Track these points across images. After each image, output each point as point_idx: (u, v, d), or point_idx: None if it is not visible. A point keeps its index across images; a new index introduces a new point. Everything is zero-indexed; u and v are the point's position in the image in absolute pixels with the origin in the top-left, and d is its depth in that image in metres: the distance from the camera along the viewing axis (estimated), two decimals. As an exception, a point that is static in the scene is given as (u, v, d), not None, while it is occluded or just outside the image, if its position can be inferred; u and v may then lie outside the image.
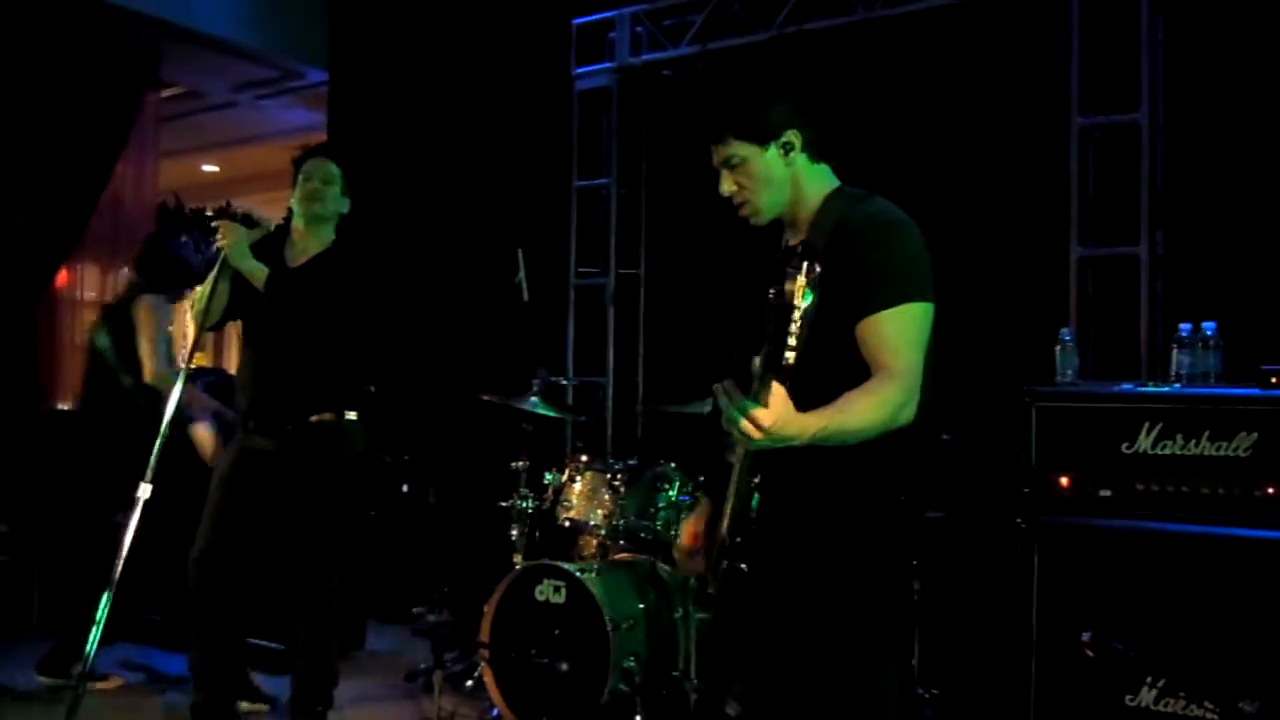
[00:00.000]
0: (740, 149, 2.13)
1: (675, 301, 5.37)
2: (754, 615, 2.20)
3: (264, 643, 4.24)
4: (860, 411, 1.92)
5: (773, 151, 2.12)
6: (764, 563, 2.03)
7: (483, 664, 3.87)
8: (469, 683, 4.17)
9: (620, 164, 5.50)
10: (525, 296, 4.80)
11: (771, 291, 1.98)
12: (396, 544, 5.43)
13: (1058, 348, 3.49)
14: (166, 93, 7.41)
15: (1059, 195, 4.12)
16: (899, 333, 1.97)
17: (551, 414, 4.41)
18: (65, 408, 6.72)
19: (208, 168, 9.74)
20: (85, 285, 7.17)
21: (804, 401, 1.84)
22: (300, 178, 3.61)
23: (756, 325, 2.15)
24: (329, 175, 3.61)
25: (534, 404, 4.28)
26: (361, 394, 3.67)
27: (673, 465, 4.03)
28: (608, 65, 5.45)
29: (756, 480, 1.99)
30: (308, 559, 3.54)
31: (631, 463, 4.13)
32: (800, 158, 2.14)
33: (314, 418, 3.49)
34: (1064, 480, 3.20)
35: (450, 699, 3.98)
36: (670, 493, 3.92)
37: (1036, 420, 3.26)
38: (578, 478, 4.13)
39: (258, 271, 3.43)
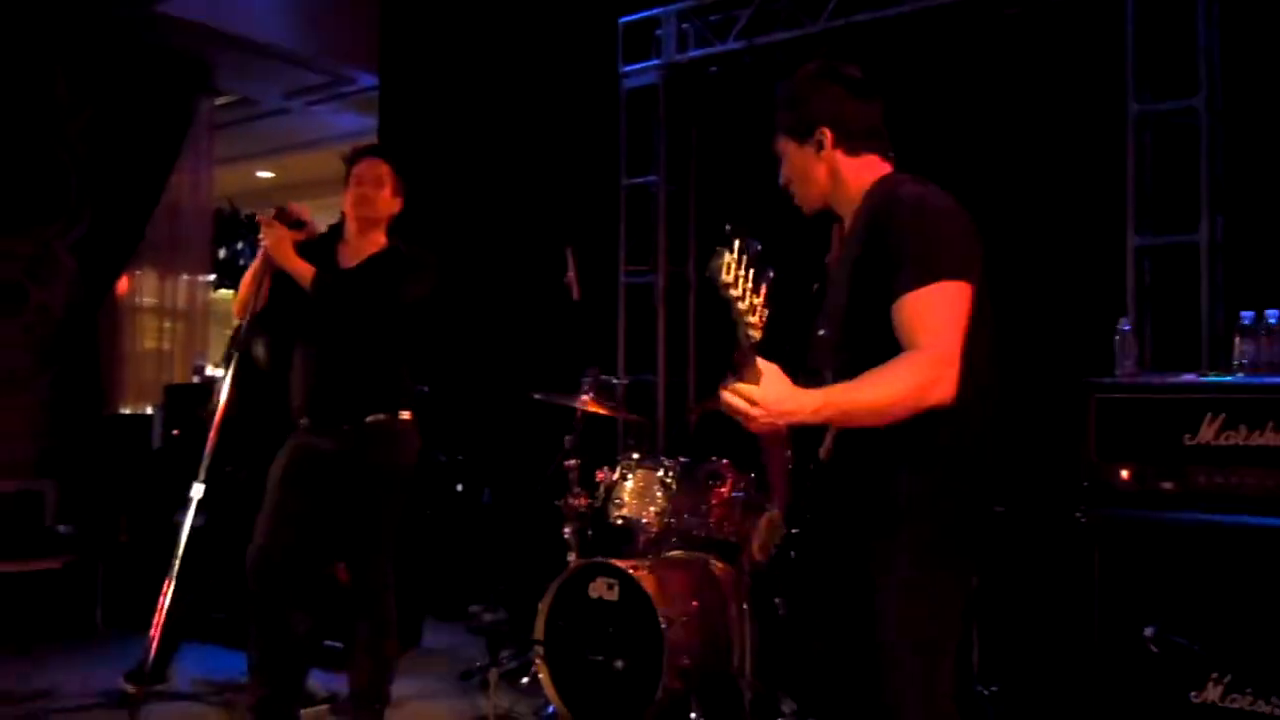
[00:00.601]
0: (782, 143, 2.25)
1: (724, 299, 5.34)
2: (817, 604, 2.19)
3: (325, 641, 4.28)
4: (874, 387, 1.90)
5: (808, 149, 2.20)
6: (821, 550, 2.04)
7: (537, 661, 3.89)
8: (524, 680, 4.19)
9: (668, 161, 5.49)
10: (576, 295, 4.81)
11: (815, 285, 1.98)
12: (452, 543, 5.48)
13: (1116, 338, 3.43)
14: (220, 101, 7.56)
15: (1115, 183, 4.04)
16: (927, 312, 1.94)
17: (603, 413, 4.42)
18: (127, 412, 6.87)
19: (262, 174, 9.89)
20: (144, 292, 7.32)
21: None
22: (351, 180, 3.62)
23: (805, 318, 2.15)
24: (379, 178, 3.61)
25: (586, 403, 4.29)
26: (416, 394, 3.69)
27: (725, 462, 4.02)
28: (654, 63, 5.45)
29: (810, 467, 1.98)
30: (364, 558, 3.57)
31: (684, 460, 4.12)
32: (835, 154, 2.19)
33: (369, 418, 3.52)
34: (1124, 473, 3.14)
35: (506, 696, 4.00)
36: (723, 490, 3.90)
37: (1096, 412, 3.21)
38: (630, 476, 4.13)
39: (303, 270, 3.44)
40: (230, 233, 8.03)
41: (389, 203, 3.64)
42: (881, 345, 1.96)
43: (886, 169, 2.20)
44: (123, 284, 7.06)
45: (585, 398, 4.28)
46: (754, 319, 1.83)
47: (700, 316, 5.49)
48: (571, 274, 4.74)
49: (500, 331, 5.96)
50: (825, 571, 2.12)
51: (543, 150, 5.94)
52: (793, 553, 2.01)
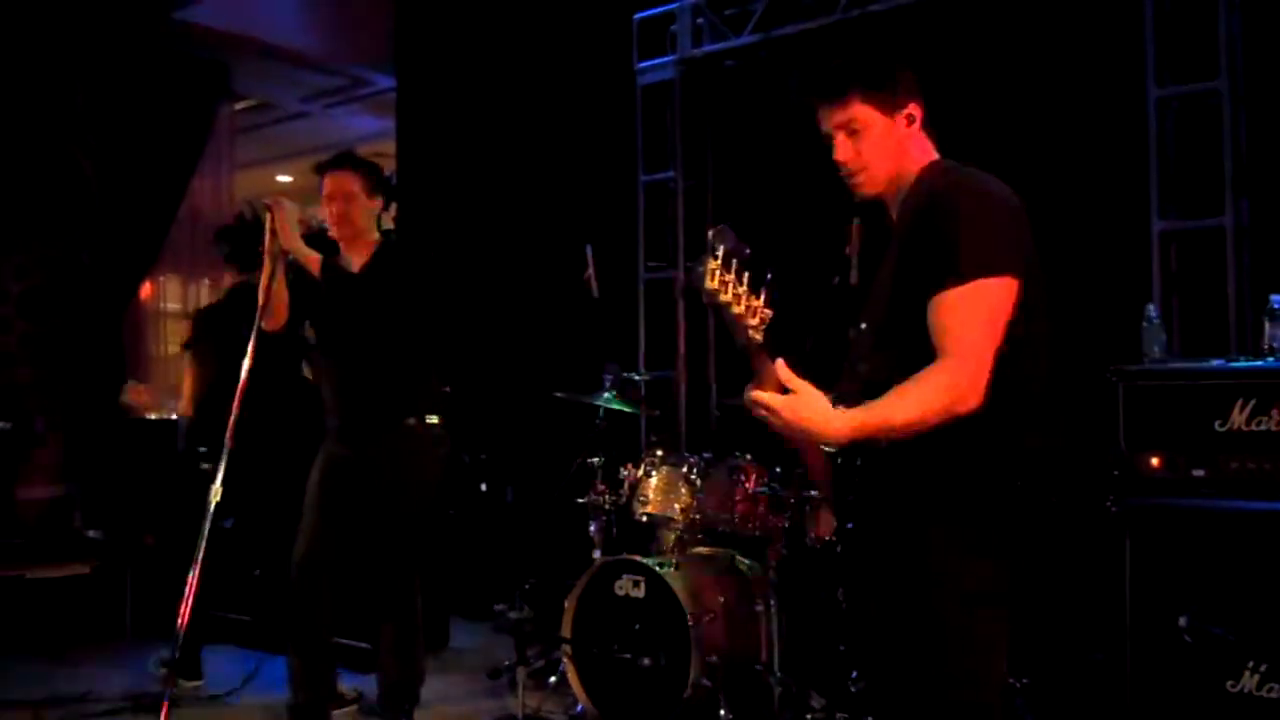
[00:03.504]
0: (865, 113, 2.07)
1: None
2: (866, 596, 2.17)
3: (351, 642, 4.30)
4: (904, 406, 1.87)
5: (899, 120, 2.09)
6: (867, 543, 2.02)
7: (565, 660, 3.88)
8: (552, 679, 4.19)
9: (685, 156, 5.48)
10: (595, 293, 4.80)
11: (836, 278, 1.96)
12: (477, 542, 5.48)
13: (1143, 324, 3.39)
14: (239, 106, 7.59)
15: (1138, 169, 4.00)
16: (959, 313, 1.89)
17: (625, 409, 4.41)
18: (152, 417, 6.91)
19: (282, 178, 9.94)
20: (167, 297, 7.36)
21: (895, 383, 1.87)
22: (323, 199, 3.55)
23: (831, 312, 2.13)
24: (347, 193, 3.52)
25: (607, 400, 4.28)
26: (441, 396, 3.69)
27: (748, 457, 4.00)
28: (670, 58, 5.43)
29: (856, 462, 1.97)
30: (391, 561, 3.58)
31: (707, 456, 4.11)
32: (915, 132, 2.12)
33: (398, 423, 3.53)
34: (1154, 461, 3.11)
35: (534, 695, 4.00)
36: (747, 485, 3.88)
37: (1124, 400, 3.18)
38: (654, 472, 4.12)
39: (311, 256, 3.37)
40: (251, 236, 8.06)
41: (365, 210, 3.56)
42: (919, 343, 1.92)
43: (935, 155, 2.15)
44: (146, 290, 7.11)
45: (609, 395, 4.27)
46: (754, 321, 1.82)
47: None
48: (590, 271, 4.73)
49: (521, 330, 5.96)
50: (871, 564, 2.10)
51: (560, 148, 5.93)
52: (839, 546, 2.00)
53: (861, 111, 2.07)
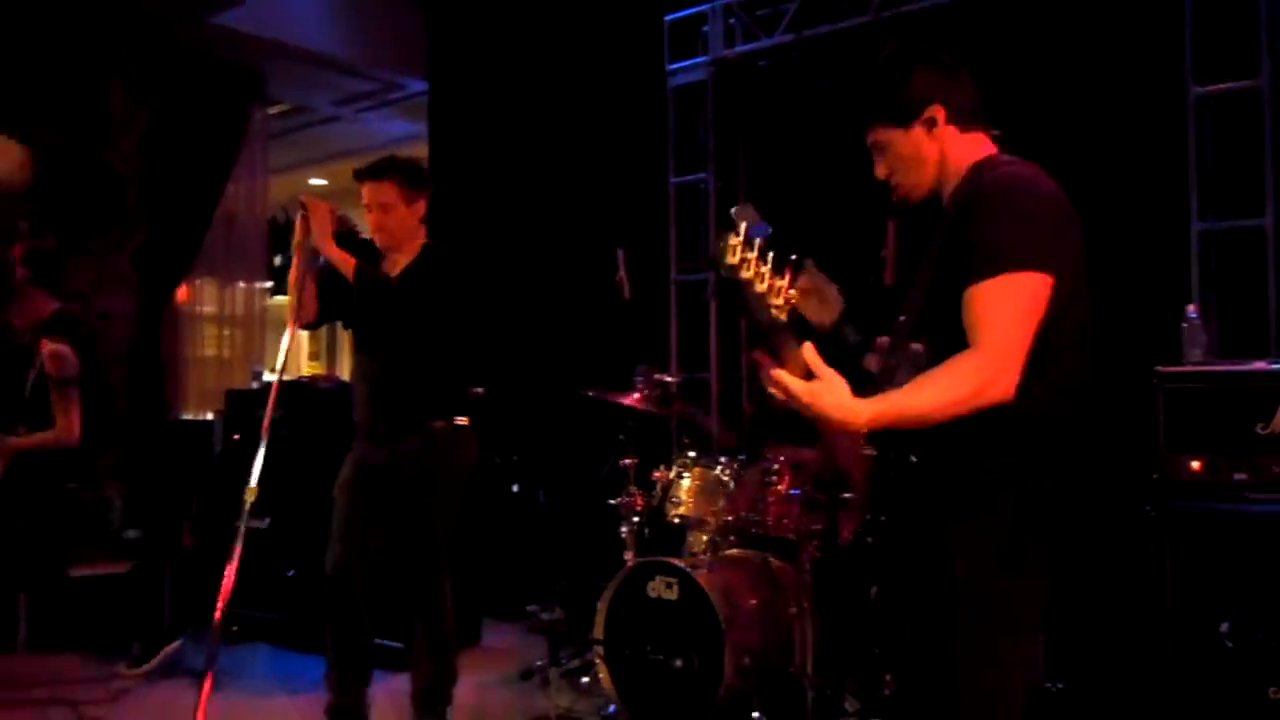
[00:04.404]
0: (883, 133, 2.10)
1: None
2: (901, 592, 2.16)
3: (385, 641, 4.32)
4: (929, 391, 1.85)
5: (916, 131, 2.08)
6: (902, 538, 2.01)
7: (598, 661, 3.89)
8: (585, 679, 4.19)
9: (717, 158, 5.47)
10: (627, 295, 4.80)
11: (871, 278, 1.94)
12: (508, 543, 5.50)
13: (1183, 326, 3.36)
14: (273, 110, 7.65)
15: (1176, 168, 3.96)
16: (991, 306, 1.87)
17: (656, 411, 4.41)
18: (189, 417, 6.99)
19: (315, 182, 10.01)
20: (203, 300, 7.44)
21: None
22: (365, 206, 3.56)
23: (866, 312, 2.12)
24: (385, 203, 3.52)
25: (639, 401, 4.28)
26: (471, 399, 3.70)
27: (782, 459, 3.98)
28: (701, 59, 5.43)
29: (890, 455, 1.96)
30: (422, 563, 3.60)
31: (740, 458, 4.10)
32: (948, 131, 2.08)
33: (428, 425, 3.54)
34: (1195, 464, 3.07)
35: (567, 695, 4.01)
36: (780, 487, 3.87)
37: (1164, 402, 3.14)
38: (686, 474, 4.11)
39: (344, 258, 3.38)
40: (285, 241, 8.13)
41: (405, 218, 3.56)
42: (958, 332, 1.90)
43: (992, 149, 2.12)
44: (182, 293, 7.18)
45: (638, 395, 4.27)
46: (777, 300, 1.79)
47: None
48: (622, 274, 4.73)
49: (552, 332, 5.98)
50: (906, 560, 2.09)
51: (591, 150, 5.95)
52: (870, 538, 1.98)
53: (878, 133, 2.11)
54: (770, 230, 1.79)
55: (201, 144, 6.82)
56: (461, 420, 3.61)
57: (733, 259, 1.76)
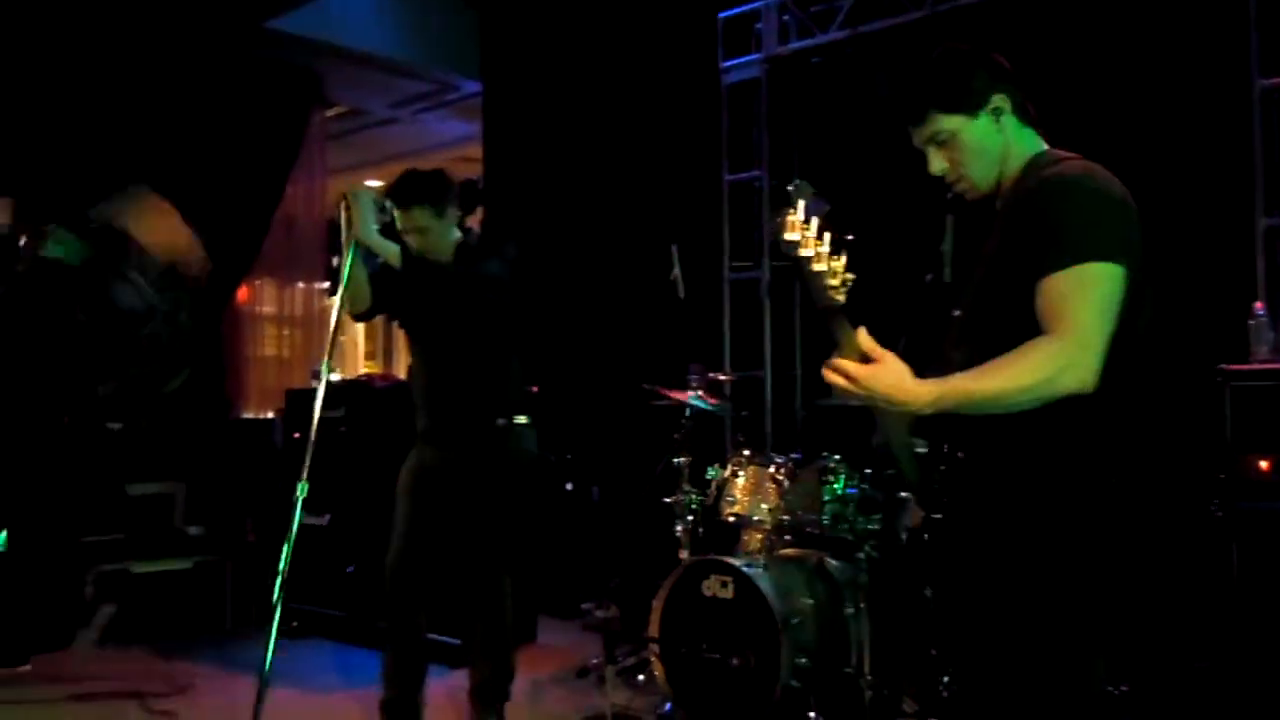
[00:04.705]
0: (948, 122, 2.03)
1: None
2: (956, 594, 2.10)
3: (443, 638, 4.37)
4: (1002, 373, 1.80)
5: (984, 119, 2.03)
6: (958, 539, 1.95)
7: (653, 659, 3.89)
8: (640, 677, 4.20)
9: (771, 155, 5.45)
10: (681, 293, 4.80)
11: (929, 275, 1.91)
12: (563, 541, 5.53)
13: (1250, 323, 3.29)
14: (330, 112, 7.75)
15: (1241, 163, 3.87)
16: (1068, 295, 1.83)
17: (711, 409, 4.41)
18: (250, 416, 7.10)
19: (372, 183, 10.12)
20: (263, 301, 7.56)
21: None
22: (401, 231, 3.55)
23: (924, 309, 2.10)
24: (420, 226, 3.52)
25: (693, 400, 4.28)
26: (529, 396, 3.72)
27: (837, 458, 3.96)
28: (755, 56, 5.42)
29: (918, 447, 1.91)
30: (482, 561, 3.63)
31: (795, 456, 4.08)
32: (1010, 121, 2.05)
33: (488, 425, 3.57)
34: (1263, 464, 3.01)
35: (623, 693, 4.02)
36: (836, 486, 3.85)
37: (1231, 401, 3.08)
38: (741, 473, 4.11)
39: (389, 248, 3.40)
40: (340, 240, 8.23)
41: (442, 231, 3.56)
42: (1015, 327, 1.86)
43: (1043, 146, 2.09)
44: (242, 293, 7.30)
45: (693, 393, 4.27)
46: (834, 281, 1.77)
47: (806, 311, 5.44)
48: (677, 271, 4.73)
49: (606, 331, 5.99)
50: (962, 561, 2.04)
51: (645, 149, 5.95)
52: (926, 535, 1.94)
53: (943, 122, 2.03)
54: (828, 206, 1.76)
55: (262, 146, 6.93)
56: (521, 419, 3.64)
57: (792, 233, 1.74)
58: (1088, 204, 1.89)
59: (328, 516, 5.28)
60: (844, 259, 1.78)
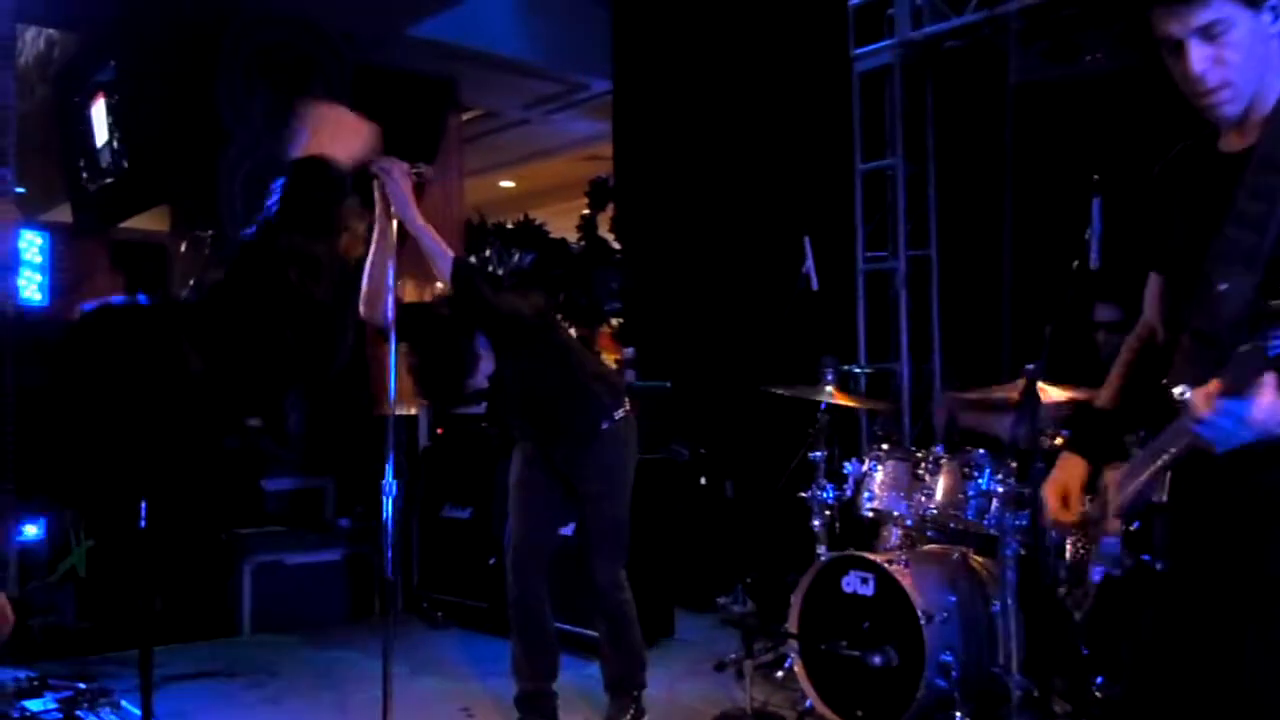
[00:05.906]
0: (1229, 10, 1.70)
1: (971, 281, 5.15)
2: (1165, 621, 1.88)
3: (577, 629, 4.41)
4: None
5: (1266, 16, 1.71)
6: (1183, 564, 1.76)
7: (794, 655, 3.86)
8: (779, 673, 4.18)
9: (906, 142, 5.34)
10: (815, 285, 4.75)
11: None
12: (697, 536, 5.53)
13: None
14: (466, 116, 7.93)
15: None
16: None
17: (847, 403, 4.34)
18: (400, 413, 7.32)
19: (505, 184, 10.32)
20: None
21: None
22: None
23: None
24: None
25: (829, 393, 4.22)
26: (630, 389, 3.69)
27: (982, 452, 3.85)
28: (888, 42, 5.31)
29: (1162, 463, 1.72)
30: (593, 557, 3.64)
31: (937, 450, 3.99)
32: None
33: (578, 422, 3.58)
34: None
35: (761, 689, 3.99)
36: (981, 481, 3.74)
37: None
38: (879, 467, 4.03)
39: (429, 227, 3.36)
40: (479, 242, 8.43)
41: None
42: None
43: None
44: (385, 294, 7.51)
45: (830, 389, 4.21)
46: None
47: (944, 301, 5.31)
48: (810, 263, 4.68)
49: (740, 324, 5.97)
50: (1186, 595, 1.82)
51: (776, 140, 5.91)
52: (1129, 556, 1.80)
53: (1224, 9, 1.69)
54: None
55: (403, 152, 7.12)
56: (619, 413, 3.60)
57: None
58: None
59: (470, 510, 5.42)
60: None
